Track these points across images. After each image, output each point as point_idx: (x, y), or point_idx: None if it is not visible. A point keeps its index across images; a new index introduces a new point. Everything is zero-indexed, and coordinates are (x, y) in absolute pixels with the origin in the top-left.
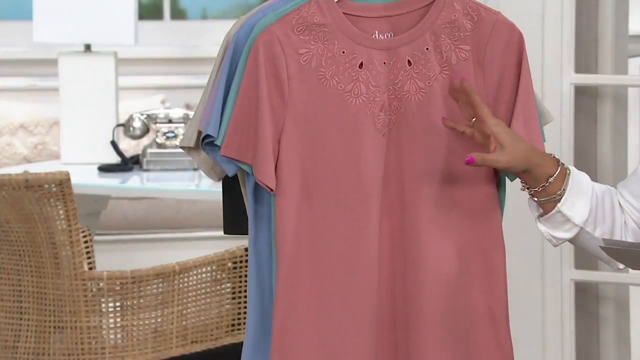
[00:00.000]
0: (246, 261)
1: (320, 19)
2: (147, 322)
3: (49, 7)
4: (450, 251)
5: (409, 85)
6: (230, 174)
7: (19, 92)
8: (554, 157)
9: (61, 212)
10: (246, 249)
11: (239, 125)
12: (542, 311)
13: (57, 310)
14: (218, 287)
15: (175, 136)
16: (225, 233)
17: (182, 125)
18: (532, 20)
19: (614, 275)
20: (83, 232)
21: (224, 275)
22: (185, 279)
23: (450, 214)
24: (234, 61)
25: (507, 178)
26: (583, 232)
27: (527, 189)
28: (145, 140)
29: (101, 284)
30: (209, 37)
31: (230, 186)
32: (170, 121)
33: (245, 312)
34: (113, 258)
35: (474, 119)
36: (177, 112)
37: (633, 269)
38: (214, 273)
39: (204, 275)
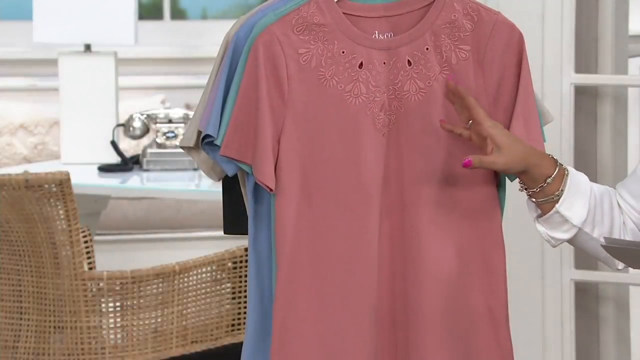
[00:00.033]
0: (246, 261)
1: (320, 19)
2: (147, 322)
3: (49, 7)
4: (450, 251)
5: (409, 85)
6: (230, 174)
7: (19, 92)
8: (552, 157)
9: (61, 212)
10: (246, 249)
11: (238, 125)
12: (542, 311)
13: (57, 310)
14: (218, 287)
15: (175, 136)
16: (225, 233)
17: (182, 125)
18: (532, 20)
19: (614, 275)
20: (83, 232)
21: (224, 275)
22: (185, 279)
23: (450, 214)
24: (233, 61)
25: (507, 178)
26: (581, 233)
27: (525, 189)
28: (145, 140)
29: (101, 284)
30: (209, 37)
31: (230, 186)
32: (170, 121)
33: (245, 312)
34: (113, 258)
35: (470, 121)
36: (177, 112)
37: (633, 268)
38: (214, 273)
39: (204, 275)
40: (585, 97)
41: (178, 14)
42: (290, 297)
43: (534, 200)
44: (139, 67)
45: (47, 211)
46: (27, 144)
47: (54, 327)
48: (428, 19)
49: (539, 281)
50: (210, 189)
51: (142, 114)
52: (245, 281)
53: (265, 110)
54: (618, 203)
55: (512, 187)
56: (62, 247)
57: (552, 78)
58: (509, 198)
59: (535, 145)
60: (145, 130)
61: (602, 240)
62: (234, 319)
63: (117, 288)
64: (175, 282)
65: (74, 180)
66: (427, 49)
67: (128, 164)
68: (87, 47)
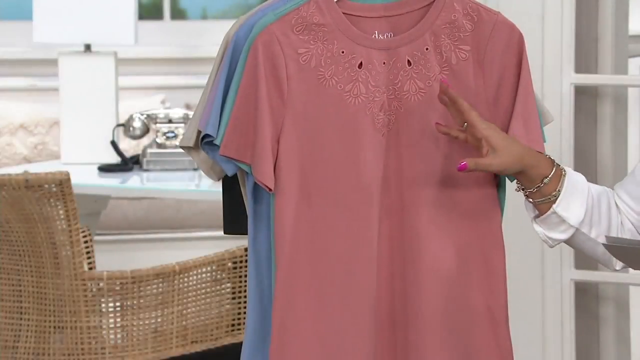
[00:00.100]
0: (246, 261)
1: (320, 19)
2: (147, 322)
3: (49, 7)
4: (450, 251)
5: (408, 86)
6: (229, 174)
7: (19, 92)
8: (549, 158)
9: (61, 212)
10: (246, 249)
11: (238, 124)
12: (542, 311)
13: (57, 310)
14: (218, 287)
15: (175, 136)
16: (225, 233)
17: (182, 125)
18: (532, 21)
19: (614, 275)
20: (83, 232)
21: (224, 275)
22: (185, 279)
23: (449, 214)
24: (233, 61)
25: (507, 178)
26: (579, 233)
27: (523, 190)
28: (145, 140)
29: (101, 284)
30: (209, 37)
31: (230, 186)
32: (170, 121)
33: (245, 312)
34: (113, 258)
35: (465, 124)
36: (177, 112)
37: (634, 269)
38: (214, 273)
39: (204, 275)
40: (585, 97)
41: (178, 14)
42: (290, 297)
43: (531, 200)
44: (139, 67)
45: (47, 211)
46: (27, 144)
47: (54, 327)
48: (428, 19)
49: (539, 281)
50: (210, 189)
51: (142, 114)
52: (245, 281)
53: (265, 110)
54: (616, 204)
55: (512, 187)
56: (62, 247)
57: (552, 78)
58: (509, 198)
59: (535, 146)
60: (145, 130)
61: (604, 239)
62: (234, 319)
63: (117, 288)
64: (175, 282)
65: (74, 180)
66: (427, 49)
67: (128, 164)
68: (87, 47)
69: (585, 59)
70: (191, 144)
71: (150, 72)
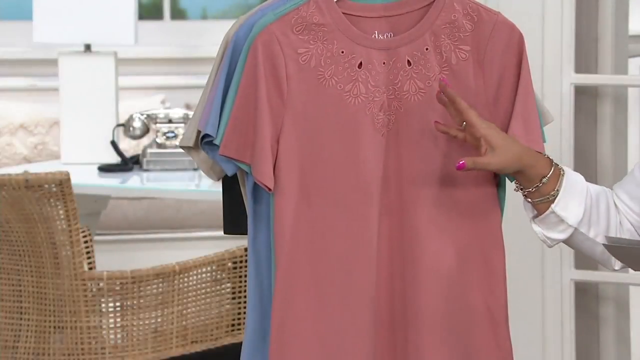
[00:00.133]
0: (246, 261)
1: (320, 19)
2: (147, 322)
3: (49, 7)
4: (450, 251)
5: (408, 86)
6: (229, 174)
7: (19, 92)
8: (548, 157)
9: (61, 212)
10: (246, 249)
11: (237, 124)
12: (542, 311)
13: (57, 310)
14: (218, 287)
15: (175, 136)
16: (225, 233)
17: (182, 125)
18: (532, 21)
19: (614, 275)
20: (83, 232)
21: (224, 275)
22: (185, 279)
23: (449, 214)
24: (233, 61)
25: (507, 178)
26: (577, 233)
27: (521, 189)
28: (145, 140)
29: (101, 284)
30: (209, 37)
31: (230, 186)
32: (170, 121)
33: (245, 312)
34: (113, 258)
35: (464, 123)
36: (177, 112)
37: (634, 269)
38: (214, 273)
39: (204, 275)
40: (585, 97)
41: (178, 14)
42: (289, 297)
43: (529, 200)
44: (139, 67)
45: (47, 211)
46: (27, 144)
47: (54, 327)
48: (428, 19)
49: (539, 281)
50: (210, 189)
51: (142, 114)
52: (245, 281)
53: (264, 109)
54: (615, 203)
55: (512, 187)
56: (62, 247)
57: (552, 78)
58: (509, 198)
59: (535, 146)
60: (145, 130)
61: (604, 239)
62: (234, 319)
63: (117, 288)
64: (175, 282)
65: (74, 180)
66: (426, 49)
67: (128, 164)
68: (87, 47)
69: (585, 59)
70: (191, 143)
71: (150, 72)
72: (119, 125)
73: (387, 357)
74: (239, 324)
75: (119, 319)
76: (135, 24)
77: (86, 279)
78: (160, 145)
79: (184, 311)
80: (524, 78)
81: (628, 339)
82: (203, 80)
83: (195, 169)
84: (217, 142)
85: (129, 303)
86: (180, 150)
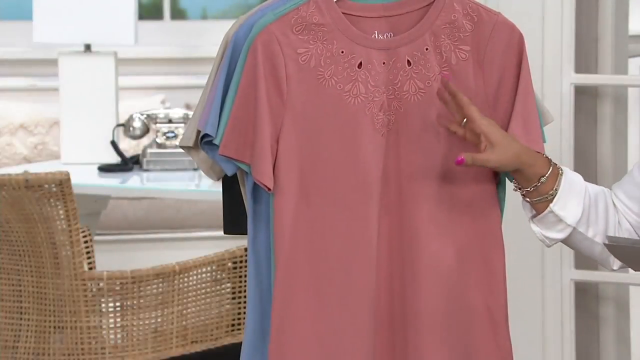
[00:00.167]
0: (246, 261)
1: (319, 19)
2: (147, 322)
3: (49, 7)
4: (449, 251)
5: (408, 86)
6: (229, 173)
7: (19, 92)
8: (547, 157)
9: (61, 212)
10: (246, 249)
11: (237, 124)
12: (542, 311)
13: (57, 310)
14: (218, 287)
15: (175, 136)
16: (225, 233)
17: (182, 125)
18: (532, 21)
19: (614, 275)
20: (83, 232)
21: (224, 275)
22: (185, 279)
23: (449, 214)
24: (232, 61)
25: (507, 178)
26: (576, 233)
27: (519, 189)
28: (145, 140)
29: (101, 284)
30: (209, 37)
31: (230, 186)
32: (170, 121)
33: (245, 312)
34: (113, 258)
35: (464, 120)
36: (177, 112)
37: (634, 269)
38: (214, 273)
39: (204, 275)
40: (585, 97)
41: (178, 14)
42: (288, 297)
43: (528, 200)
44: (139, 67)
45: (47, 211)
46: (27, 144)
47: (54, 327)
48: (428, 19)
49: (539, 281)
50: (210, 189)
51: (142, 114)
52: (245, 281)
53: (264, 109)
54: (614, 203)
55: (512, 187)
56: (62, 247)
57: (552, 78)
58: (509, 198)
59: (534, 146)
60: (145, 130)
61: (604, 239)
62: (234, 319)
63: (117, 288)
64: (175, 282)
65: (74, 180)
66: (426, 49)
67: (128, 164)
68: (87, 47)
69: (585, 59)
70: (191, 143)
71: (150, 72)
72: (119, 125)
73: (387, 357)
74: (239, 324)
75: (119, 319)
76: (135, 24)
77: (86, 279)
78: (160, 145)
79: (184, 311)
80: (524, 78)
81: (628, 339)
82: (203, 80)
83: (195, 169)
84: (216, 141)
85: (129, 303)
86: (180, 150)
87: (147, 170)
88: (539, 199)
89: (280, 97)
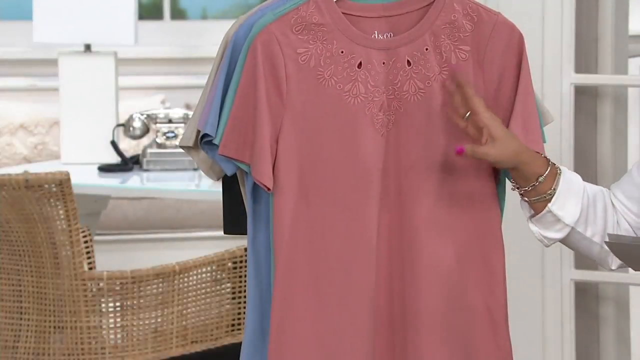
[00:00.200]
0: (246, 261)
1: (319, 19)
2: (147, 322)
3: (49, 7)
4: (449, 251)
5: (408, 86)
6: (229, 173)
7: (19, 92)
8: (545, 157)
9: (61, 212)
10: (246, 249)
11: (237, 124)
12: (542, 311)
13: (57, 310)
14: (218, 287)
15: (175, 136)
16: (225, 233)
17: (182, 125)
18: (532, 21)
19: (614, 275)
20: (83, 232)
21: (224, 275)
22: (185, 279)
23: (449, 214)
24: (232, 60)
25: (507, 178)
26: (574, 232)
27: (518, 188)
28: (145, 140)
29: (101, 284)
30: (209, 37)
31: (230, 186)
32: (170, 121)
33: (245, 312)
34: (113, 258)
35: (468, 113)
36: (177, 112)
37: (634, 269)
38: (214, 273)
39: (204, 275)
40: (585, 97)
41: (178, 14)
42: (288, 297)
43: (526, 199)
44: (139, 67)
45: (47, 211)
46: (27, 144)
47: (54, 327)
48: (428, 19)
49: (539, 281)
50: (210, 189)
51: (142, 114)
52: (245, 281)
53: (264, 109)
54: (613, 203)
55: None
56: (62, 247)
57: (552, 78)
58: (509, 198)
59: (534, 146)
60: (145, 130)
61: (603, 238)
62: (234, 319)
63: (117, 288)
64: (175, 282)
65: (74, 180)
66: (426, 49)
67: (128, 164)
68: (87, 47)
69: (585, 59)
70: (190, 143)
71: (150, 72)
72: (119, 125)
73: (386, 356)
74: (238, 324)
75: (119, 319)
76: (135, 24)
77: (86, 279)
78: (160, 145)
79: (184, 311)
80: (523, 78)
81: (628, 339)
82: (203, 80)
83: (195, 169)
84: (216, 141)
85: (129, 303)
86: (180, 150)
87: (147, 170)
88: (537, 198)
89: (280, 97)
